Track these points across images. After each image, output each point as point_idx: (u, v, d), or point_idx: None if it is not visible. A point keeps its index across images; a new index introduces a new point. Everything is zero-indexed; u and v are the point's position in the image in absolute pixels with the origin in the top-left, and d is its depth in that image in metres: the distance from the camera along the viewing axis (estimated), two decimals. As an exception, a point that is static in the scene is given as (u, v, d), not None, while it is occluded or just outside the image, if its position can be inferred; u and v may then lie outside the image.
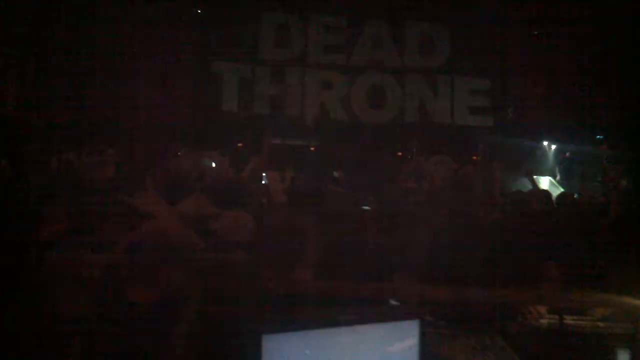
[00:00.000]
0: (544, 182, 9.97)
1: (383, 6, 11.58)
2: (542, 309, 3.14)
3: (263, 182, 4.65)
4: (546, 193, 6.36)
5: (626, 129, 10.38)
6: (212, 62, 11.51)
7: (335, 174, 8.17)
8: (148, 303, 2.54)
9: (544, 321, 3.11)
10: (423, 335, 2.19)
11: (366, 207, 4.40)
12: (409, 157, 10.23)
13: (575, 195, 7.86)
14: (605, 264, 3.65)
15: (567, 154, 11.51)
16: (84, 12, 9.56)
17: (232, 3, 11.17)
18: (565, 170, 10.94)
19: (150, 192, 2.77)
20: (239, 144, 9.72)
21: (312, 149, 10.76)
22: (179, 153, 7.17)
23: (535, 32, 11.84)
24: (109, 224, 3.03)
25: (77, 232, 3.05)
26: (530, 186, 7.50)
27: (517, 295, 3.02)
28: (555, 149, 11.87)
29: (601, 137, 11.32)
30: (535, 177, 9.63)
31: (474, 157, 10.35)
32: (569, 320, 3.08)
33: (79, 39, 9.54)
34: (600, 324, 3.16)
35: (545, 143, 12.01)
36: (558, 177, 10.43)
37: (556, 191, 8.68)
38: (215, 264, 2.72)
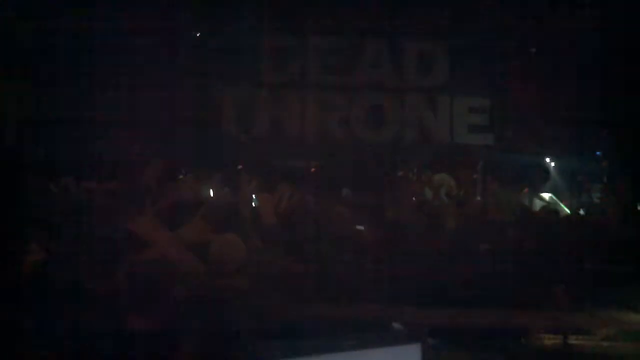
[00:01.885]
0: (545, 199, 9.94)
1: (382, 26, 11.66)
2: (545, 329, 3.11)
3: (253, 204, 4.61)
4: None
5: (625, 146, 10.38)
6: (211, 85, 11.55)
7: (344, 191, 8.17)
8: (149, 330, 2.52)
9: (547, 341, 3.08)
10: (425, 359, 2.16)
11: (360, 227, 4.35)
12: (410, 176, 10.23)
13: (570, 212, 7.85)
14: (607, 281, 3.62)
15: (568, 170, 11.50)
16: (83, 37, 9.63)
17: (231, 25, 11.23)
18: (565, 187, 10.92)
19: (150, 217, 2.76)
20: (239, 167, 9.71)
21: (312, 169, 10.75)
22: (179, 178, 7.16)
23: (534, 50, 11.90)
24: (109, 250, 3.02)
25: (75, 258, 3.04)
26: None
27: (520, 315, 2.99)
28: (555, 166, 11.86)
29: (600, 153, 11.33)
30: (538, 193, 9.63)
31: (475, 176, 10.33)
32: (572, 340, 3.05)
33: (78, 62, 9.60)
34: (604, 344, 3.13)
35: (546, 160, 12.00)
36: (558, 194, 10.40)
37: (557, 208, 8.65)
38: (215, 289, 2.71)
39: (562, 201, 9.41)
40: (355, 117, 11.81)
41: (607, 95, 10.29)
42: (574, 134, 11.22)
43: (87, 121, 9.71)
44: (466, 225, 4.55)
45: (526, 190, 9.65)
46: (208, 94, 11.49)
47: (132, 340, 2.49)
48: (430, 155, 11.34)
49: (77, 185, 6.19)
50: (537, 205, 8.66)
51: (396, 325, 2.68)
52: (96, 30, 9.83)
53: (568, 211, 7.96)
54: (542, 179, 11.66)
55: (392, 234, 4.32)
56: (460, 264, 3.51)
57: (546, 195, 9.80)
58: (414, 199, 7.17)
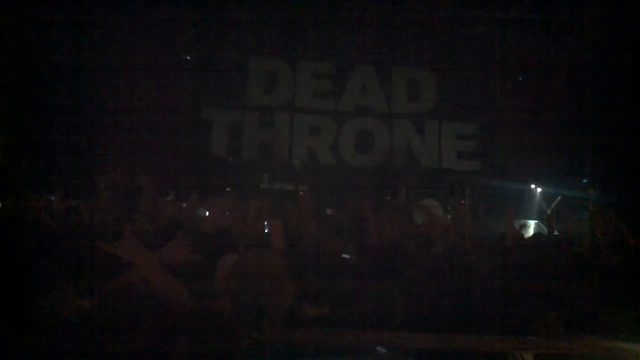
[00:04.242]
0: (532, 226, 9.96)
1: (371, 53, 11.80)
2: (530, 356, 3.07)
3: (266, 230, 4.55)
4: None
5: (613, 174, 10.46)
6: (201, 107, 11.60)
7: (328, 210, 8.11)
8: (131, 354, 2.45)
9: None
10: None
11: (346, 256, 4.29)
12: (397, 201, 10.22)
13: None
14: (596, 309, 3.59)
15: (555, 198, 11.56)
16: (72, 60, 9.66)
17: (221, 49, 11.32)
18: (553, 214, 10.96)
19: (130, 238, 2.70)
20: (227, 189, 9.70)
21: (300, 192, 10.73)
22: (163, 198, 7.12)
23: (522, 78, 12.06)
24: (87, 272, 2.96)
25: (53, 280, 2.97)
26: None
27: (507, 342, 2.94)
28: (543, 193, 11.92)
29: (587, 181, 11.41)
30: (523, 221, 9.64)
31: (462, 202, 10.36)
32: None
33: (67, 84, 9.62)
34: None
35: (533, 187, 12.06)
36: (545, 221, 10.44)
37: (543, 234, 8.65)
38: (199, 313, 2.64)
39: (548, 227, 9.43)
40: (344, 142, 11.89)
41: (595, 121, 10.41)
42: (561, 161, 11.32)
43: (73, 140, 9.70)
44: (453, 250, 4.53)
45: (512, 215, 9.65)
46: (198, 117, 11.55)
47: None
48: (418, 180, 11.39)
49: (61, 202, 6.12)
50: (524, 231, 8.66)
51: (380, 349, 2.63)
52: (90, 59, 9.88)
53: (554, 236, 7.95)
54: (529, 205, 11.72)
55: (378, 257, 4.28)
56: (449, 287, 3.47)
57: (532, 222, 9.83)
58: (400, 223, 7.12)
